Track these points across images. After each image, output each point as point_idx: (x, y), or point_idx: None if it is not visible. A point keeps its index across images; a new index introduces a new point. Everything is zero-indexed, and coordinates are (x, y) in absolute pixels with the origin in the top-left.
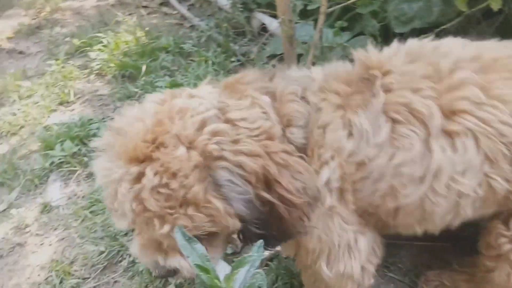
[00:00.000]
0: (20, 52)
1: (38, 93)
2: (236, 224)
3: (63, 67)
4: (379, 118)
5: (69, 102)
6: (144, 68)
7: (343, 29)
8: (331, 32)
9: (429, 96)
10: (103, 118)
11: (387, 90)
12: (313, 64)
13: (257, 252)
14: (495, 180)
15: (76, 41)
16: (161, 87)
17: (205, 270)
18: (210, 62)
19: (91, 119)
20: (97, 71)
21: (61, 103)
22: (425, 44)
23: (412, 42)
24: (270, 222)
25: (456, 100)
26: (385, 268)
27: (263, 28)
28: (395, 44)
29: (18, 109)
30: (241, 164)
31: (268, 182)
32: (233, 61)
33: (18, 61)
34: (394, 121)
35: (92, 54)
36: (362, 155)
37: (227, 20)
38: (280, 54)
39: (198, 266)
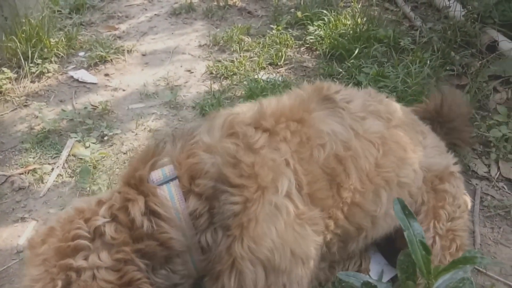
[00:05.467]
0: (249, 12)
1: (255, 50)
2: None
3: (281, 33)
4: None
5: (278, 65)
6: (356, 51)
7: None
8: None
9: None
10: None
11: None
12: None
13: None
14: None
15: (299, 14)
16: (367, 73)
17: (424, 247)
18: (425, 63)
19: (291, 84)
20: (309, 45)
21: (271, 64)
22: None
23: None
24: None
25: None
26: None
27: (490, 46)
28: None
29: (236, 59)
30: None
31: None
32: (448, 70)
33: (245, 19)
34: None
35: (310, 28)
36: None
37: (454, 29)
38: (507, 77)
39: (412, 241)
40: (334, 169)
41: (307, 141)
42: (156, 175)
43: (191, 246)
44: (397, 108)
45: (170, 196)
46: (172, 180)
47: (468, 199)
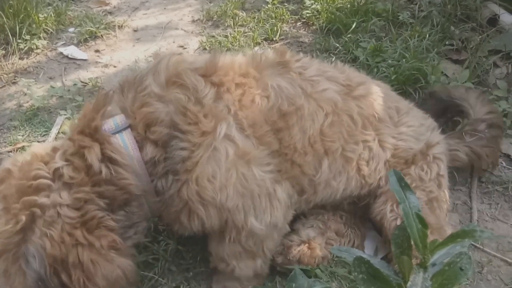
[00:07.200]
0: None
1: (249, 25)
2: None
3: (276, 7)
4: None
5: (273, 40)
6: (353, 26)
7: None
8: None
9: None
10: None
11: None
12: None
13: None
14: None
15: None
16: (365, 48)
17: (421, 220)
18: (424, 38)
19: None
20: (305, 20)
21: (266, 39)
22: None
23: None
24: None
25: None
26: None
27: (491, 20)
28: None
29: (230, 34)
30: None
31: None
32: (448, 44)
33: None
34: None
35: (307, 2)
36: None
37: (454, 2)
38: (507, 52)
39: (408, 214)
40: (275, 122)
41: (249, 89)
42: (108, 124)
43: (147, 190)
44: (366, 79)
45: (123, 144)
46: (124, 129)
47: (445, 180)
